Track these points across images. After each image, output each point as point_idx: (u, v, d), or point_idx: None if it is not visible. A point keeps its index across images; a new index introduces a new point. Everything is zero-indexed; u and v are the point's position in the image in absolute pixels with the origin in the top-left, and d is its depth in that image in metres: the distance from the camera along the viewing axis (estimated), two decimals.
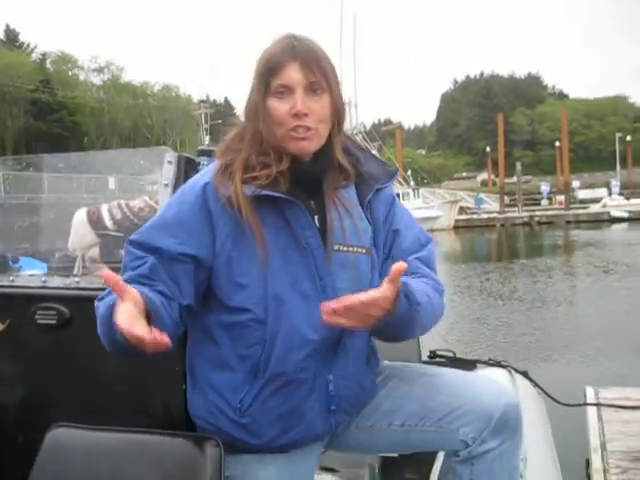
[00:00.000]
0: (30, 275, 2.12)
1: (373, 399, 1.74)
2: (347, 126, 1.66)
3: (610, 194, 44.64)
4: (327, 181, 1.64)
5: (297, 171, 1.59)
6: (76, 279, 2.05)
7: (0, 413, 2.15)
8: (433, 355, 3.99)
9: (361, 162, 1.71)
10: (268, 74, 1.56)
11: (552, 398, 3.74)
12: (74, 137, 48.83)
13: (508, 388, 3.48)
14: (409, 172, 42.60)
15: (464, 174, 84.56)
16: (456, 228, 36.35)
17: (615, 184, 46.86)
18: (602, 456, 3.44)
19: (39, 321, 2.03)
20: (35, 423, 2.11)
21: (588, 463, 3.58)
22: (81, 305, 1.98)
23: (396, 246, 1.73)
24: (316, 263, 1.58)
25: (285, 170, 1.57)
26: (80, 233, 2.18)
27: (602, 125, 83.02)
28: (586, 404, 4.26)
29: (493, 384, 1.75)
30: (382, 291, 1.40)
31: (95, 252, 2.18)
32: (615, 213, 36.33)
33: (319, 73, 1.57)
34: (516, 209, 41.13)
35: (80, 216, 2.18)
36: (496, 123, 47.39)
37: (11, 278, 2.12)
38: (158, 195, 2.03)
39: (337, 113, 1.64)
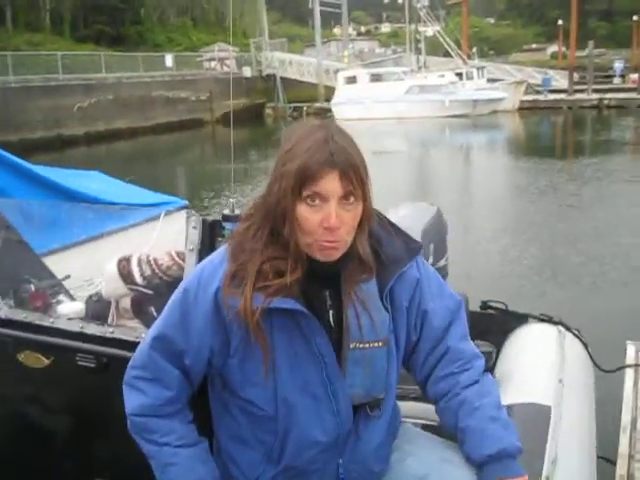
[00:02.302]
0: (69, 319, 2.21)
1: (387, 471, 1.79)
2: None
3: None
4: (346, 275, 1.60)
5: (314, 270, 1.56)
6: (110, 329, 2.14)
7: (39, 444, 2.31)
8: (485, 306, 4.00)
9: (383, 245, 1.66)
10: (302, 181, 1.47)
11: (594, 362, 3.73)
12: (131, 9, 47.99)
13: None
14: (474, 49, 40.81)
15: (534, 46, 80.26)
16: (520, 110, 35.03)
17: None
18: (630, 437, 3.43)
19: (79, 363, 2.15)
20: (70, 460, 2.27)
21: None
22: (116, 354, 2.07)
23: (427, 326, 1.75)
24: (327, 369, 1.59)
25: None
26: (112, 286, 2.23)
27: None
28: (625, 367, 4.23)
29: None
30: None
31: (127, 303, 2.24)
32: None
33: (357, 183, 1.50)
34: (585, 86, 39.24)
35: (111, 269, 2.22)
36: None
37: (52, 320, 2.23)
38: (184, 251, 2.05)
39: (367, 218, 1.58)
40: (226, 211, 2.06)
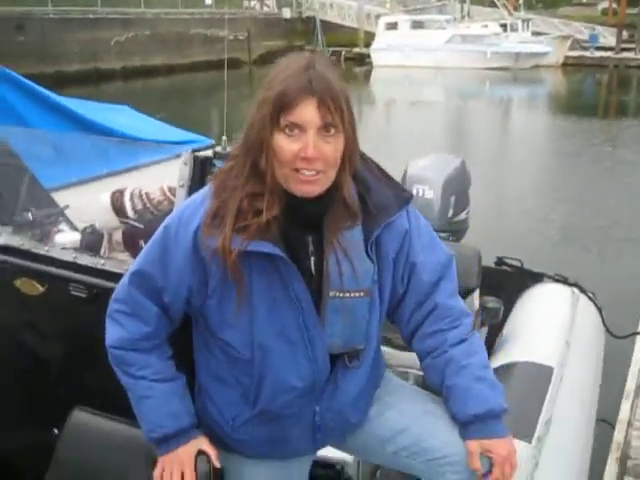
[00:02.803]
0: (62, 248, 2.21)
1: (366, 422, 1.78)
2: None
3: None
4: (329, 220, 1.55)
5: (294, 211, 1.52)
6: (101, 261, 2.13)
7: (31, 368, 2.34)
8: (500, 262, 3.96)
9: (370, 191, 1.60)
10: (280, 108, 1.43)
11: (606, 327, 3.68)
12: None
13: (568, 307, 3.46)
14: (521, 0, 39.54)
15: (584, 0, 77.57)
16: (564, 66, 34.09)
17: None
18: (632, 404, 3.41)
19: (72, 292, 2.16)
20: (58, 386, 2.30)
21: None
22: (105, 286, 2.07)
23: (415, 279, 1.70)
24: (304, 315, 1.56)
25: (278, 214, 1.50)
26: (105, 218, 2.23)
27: None
28: (636, 333, 4.17)
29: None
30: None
31: (119, 235, 2.23)
32: None
33: (336, 113, 1.44)
34: (634, 45, 37.93)
35: (105, 202, 2.21)
36: None
37: (46, 248, 2.24)
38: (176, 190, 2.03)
39: (349, 153, 1.52)
40: (218, 148, 2.02)
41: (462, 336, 1.70)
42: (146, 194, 2.19)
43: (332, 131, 1.45)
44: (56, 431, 2.25)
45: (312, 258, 1.56)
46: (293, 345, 1.58)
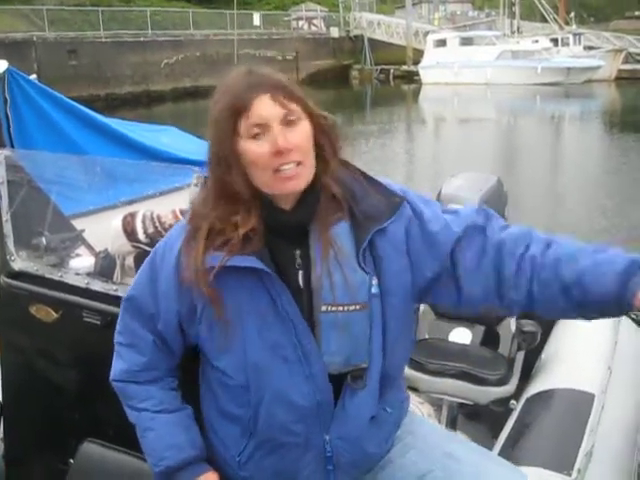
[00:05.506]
0: (76, 274, 2.18)
1: (388, 464, 1.66)
2: None
3: None
4: (315, 223, 1.48)
5: (278, 223, 1.47)
6: (114, 286, 2.10)
7: (45, 397, 2.30)
8: None
9: (357, 199, 1.51)
10: (237, 115, 1.41)
11: None
12: None
13: None
14: (572, 14, 38.95)
15: (636, 13, 76.21)
16: (618, 80, 33.39)
17: None
18: None
19: (85, 319, 2.13)
20: (70, 416, 2.25)
21: None
22: (117, 312, 2.02)
23: (445, 243, 1.52)
24: (295, 330, 1.47)
25: (258, 226, 1.45)
26: (117, 243, 2.21)
27: None
28: None
29: None
30: None
31: (132, 260, 2.20)
32: None
33: (292, 101, 1.42)
34: None
35: (116, 226, 2.19)
36: None
37: (60, 274, 2.22)
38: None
39: (324, 137, 1.48)
40: None
41: (545, 242, 1.47)
42: (158, 217, 2.15)
43: (294, 120, 1.42)
44: (72, 461, 2.21)
45: (300, 272, 1.49)
46: (289, 363, 1.49)
